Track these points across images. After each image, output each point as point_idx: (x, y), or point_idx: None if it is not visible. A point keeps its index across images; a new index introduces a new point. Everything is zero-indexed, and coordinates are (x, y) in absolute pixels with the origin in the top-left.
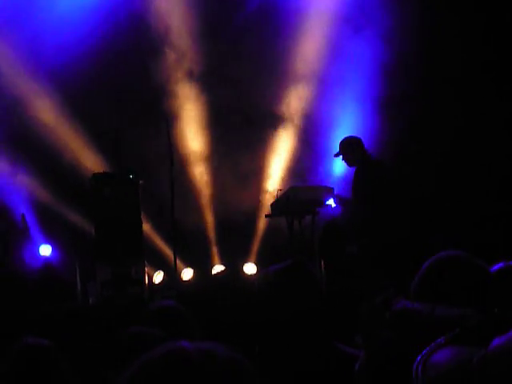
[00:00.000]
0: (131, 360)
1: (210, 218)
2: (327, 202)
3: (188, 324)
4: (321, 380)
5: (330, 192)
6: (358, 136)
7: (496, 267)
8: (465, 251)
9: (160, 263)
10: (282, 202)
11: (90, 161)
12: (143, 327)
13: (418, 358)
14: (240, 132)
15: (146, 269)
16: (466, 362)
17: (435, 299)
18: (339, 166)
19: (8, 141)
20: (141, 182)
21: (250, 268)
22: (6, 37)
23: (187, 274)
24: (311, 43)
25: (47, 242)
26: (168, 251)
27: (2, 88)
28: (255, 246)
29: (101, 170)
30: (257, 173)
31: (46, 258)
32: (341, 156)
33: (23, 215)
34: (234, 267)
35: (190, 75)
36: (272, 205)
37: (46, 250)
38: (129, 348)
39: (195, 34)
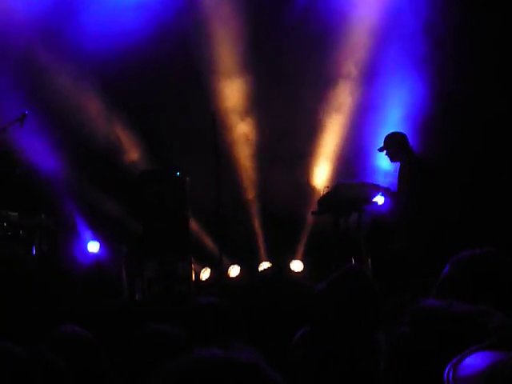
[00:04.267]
0: (146, 358)
1: (256, 215)
2: (374, 199)
3: (233, 321)
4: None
5: (376, 189)
6: (403, 132)
7: None
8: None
9: (207, 260)
10: (329, 199)
11: (138, 158)
12: (164, 325)
13: (450, 363)
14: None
15: (193, 265)
16: (503, 366)
17: (459, 297)
18: (385, 163)
19: (56, 137)
20: (188, 178)
21: (296, 265)
22: (53, 30)
23: (234, 270)
24: (359, 43)
25: (95, 238)
26: (215, 248)
27: (49, 83)
28: (302, 243)
29: (148, 167)
30: (304, 170)
31: (93, 255)
32: (385, 151)
33: (71, 212)
34: (280, 264)
35: (238, 71)
36: (319, 202)
37: (93, 247)
38: (145, 346)
39: (241, 33)
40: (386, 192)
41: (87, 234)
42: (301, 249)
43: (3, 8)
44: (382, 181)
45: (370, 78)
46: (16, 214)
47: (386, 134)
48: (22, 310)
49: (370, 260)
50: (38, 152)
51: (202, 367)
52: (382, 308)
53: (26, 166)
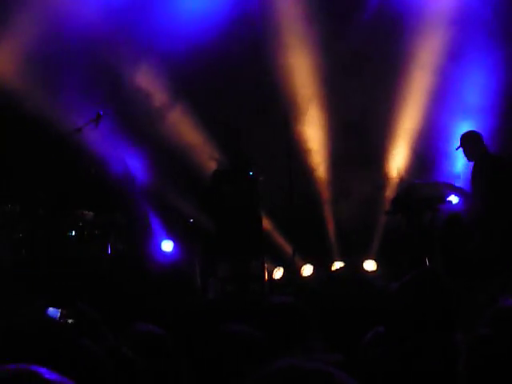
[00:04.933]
0: (222, 358)
1: (329, 214)
2: (448, 199)
3: (307, 321)
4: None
5: (451, 188)
6: (478, 131)
7: None
8: None
9: (280, 259)
10: (403, 198)
11: (212, 157)
12: (239, 325)
13: None
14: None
15: (266, 265)
16: None
17: None
18: (460, 162)
19: (131, 137)
20: (261, 178)
21: (369, 265)
22: (128, 29)
23: (307, 270)
24: (434, 42)
25: (169, 238)
26: (288, 247)
27: (124, 83)
28: (375, 242)
29: (222, 167)
30: (378, 169)
31: (168, 254)
32: (461, 149)
33: (146, 211)
34: (353, 264)
35: (310, 69)
36: (392, 201)
37: (168, 246)
38: (221, 346)
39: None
40: (460, 191)
41: (161, 233)
42: (374, 248)
43: (80, 6)
44: (456, 180)
45: (447, 68)
46: (92, 213)
47: (462, 132)
48: (97, 308)
49: (444, 260)
50: (113, 152)
51: (284, 378)
52: (458, 309)
53: (101, 166)
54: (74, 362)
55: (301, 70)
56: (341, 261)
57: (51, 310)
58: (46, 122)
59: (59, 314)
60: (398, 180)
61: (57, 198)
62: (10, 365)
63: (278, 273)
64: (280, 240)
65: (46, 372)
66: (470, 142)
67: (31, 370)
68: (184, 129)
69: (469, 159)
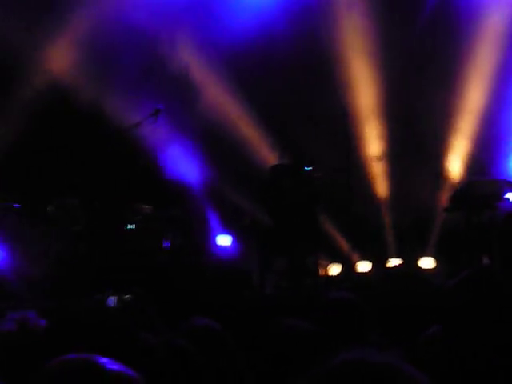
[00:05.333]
0: (279, 353)
1: (386, 211)
2: (507, 196)
3: (362, 316)
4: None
5: (509, 186)
6: None
7: None
8: None
9: (336, 255)
10: (461, 196)
11: (269, 152)
12: (296, 320)
13: None
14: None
15: (323, 260)
16: None
17: None
18: None
19: (190, 132)
20: (319, 174)
21: (427, 262)
22: (192, 24)
23: (363, 266)
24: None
25: (226, 232)
26: (344, 243)
27: (185, 78)
28: (433, 239)
29: (280, 162)
30: (437, 166)
31: (224, 248)
32: None
33: (202, 204)
34: (410, 261)
35: (369, 65)
36: (451, 199)
37: (225, 240)
38: (279, 341)
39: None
40: None
41: (219, 227)
42: (432, 246)
43: (143, 3)
44: None
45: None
46: (150, 207)
47: None
48: (156, 302)
49: (502, 258)
50: (172, 147)
51: (351, 370)
52: None
53: (159, 161)
54: (131, 354)
55: (359, 65)
56: (397, 258)
57: (110, 301)
58: (105, 117)
59: (117, 306)
60: (456, 177)
61: (116, 192)
62: (72, 354)
63: (334, 269)
64: (337, 236)
65: (107, 362)
66: None
67: (92, 360)
68: (242, 124)
69: None
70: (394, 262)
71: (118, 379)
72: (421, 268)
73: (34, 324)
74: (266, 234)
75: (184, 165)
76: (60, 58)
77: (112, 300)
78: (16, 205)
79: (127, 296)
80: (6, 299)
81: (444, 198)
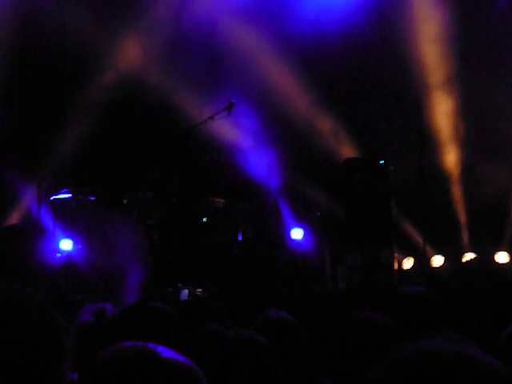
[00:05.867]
0: (353, 346)
1: (460, 204)
2: None
3: (436, 311)
4: None
5: None
6: None
7: None
8: None
9: (409, 249)
10: None
11: (342, 145)
12: (371, 314)
13: None
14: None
15: (396, 254)
16: None
17: None
18: None
19: (263, 125)
20: (391, 167)
21: (502, 257)
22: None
23: (437, 260)
24: None
25: (299, 225)
26: (418, 237)
27: (258, 71)
28: (508, 233)
29: (352, 155)
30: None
31: (297, 242)
32: None
33: (275, 198)
34: (485, 255)
35: (443, 59)
36: None
37: (297, 234)
38: (352, 334)
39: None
40: None
41: (291, 220)
42: (507, 240)
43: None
44: None
45: None
46: (223, 200)
47: None
48: (229, 295)
49: None
50: (245, 140)
51: (427, 358)
52: None
53: (232, 154)
54: (205, 347)
55: (432, 57)
56: (472, 252)
57: (183, 294)
58: (180, 111)
59: (189, 298)
60: None
61: (189, 185)
62: (128, 342)
63: (408, 263)
64: (410, 230)
65: (163, 350)
66: None
67: (148, 348)
68: (315, 116)
69: None
70: (468, 257)
71: (172, 367)
72: (496, 262)
73: (111, 315)
74: (338, 228)
75: (257, 158)
76: (133, 53)
77: (184, 293)
78: (92, 197)
79: (199, 290)
80: (83, 291)
81: None
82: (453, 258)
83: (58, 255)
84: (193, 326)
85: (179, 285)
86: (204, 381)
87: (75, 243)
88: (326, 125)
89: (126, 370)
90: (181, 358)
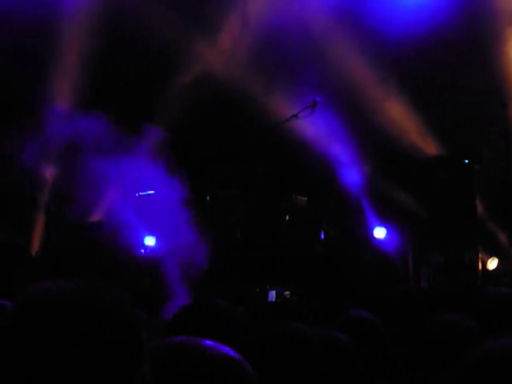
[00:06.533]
0: (436, 348)
1: None
2: None
3: None
4: None
5: None
6: None
7: None
8: None
9: (494, 249)
10: None
11: (426, 144)
12: (454, 315)
13: None
14: None
15: (480, 255)
16: None
17: None
18: None
19: (347, 124)
20: (476, 166)
21: None
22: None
23: None
24: None
25: (382, 224)
26: (503, 237)
27: (341, 69)
28: None
29: (436, 154)
30: None
31: (380, 241)
32: None
33: (358, 196)
34: None
35: None
36: None
37: (380, 233)
38: (435, 336)
39: None
40: None
41: (374, 219)
42: None
43: None
44: None
45: None
46: (305, 198)
47: None
48: (312, 293)
49: None
50: (329, 139)
51: (501, 358)
52: None
53: (315, 152)
54: (285, 345)
55: None
56: None
57: (271, 296)
58: (263, 109)
59: (277, 299)
60: None
61: (273, 183)
62: (179, 336)
63: (493, 263)
64: (495, 229)
65: (213, 346)
66: None
67: (198, 343)
68: (400, 115)
69: None
70: None
71: (220, 362)
72: None
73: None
74: (421, 227)
75: (340, 156)
76: (218, 52)
77: (272, 295)
78: (175, 194)
79: (287, 292)
80: (166, 288)
81: None
82: None
83: (142, 251)
84: (267, 325)
85: (267, 286)
86: (253, 376)
87: (159, 240)
88: (410, 123)
89: (171, 363)
90: (231, 352)
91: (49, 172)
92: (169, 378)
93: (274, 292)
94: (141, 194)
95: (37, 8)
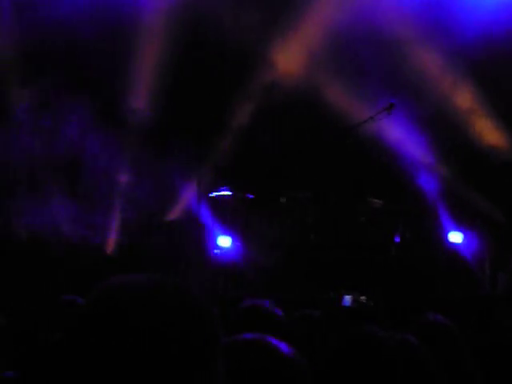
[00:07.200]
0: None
1: None
2: None
3: None
4: None
5: None
6: None
7: None
8: None
9: None
10: None
11: (503, 146)
12: None
13: None
14: None
15: None
16: None
17: None
18: None
19: (424, 126)
20: None
21: None
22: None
23: None
24: None
25: (458, 228)
26: None
27: (415, 72)
28: None
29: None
30: None
31: (455, 245)
32: None
33: (435, 200)
34: None
35: None
36: None
37: (456, 237)
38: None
39: None
40: None
41: (450, 223)
42: None
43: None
44: None
45: None
46: (381, 201)
47: None
48: (388, 297)
49: None
50: (406, 141)
51: None
52: None
53: (390, 154)
54: (358, 347)
55: None
56: None
57: (346, 301)
58: (341, 111)
59: (353, 304)
60: None
61: (349, 185)
62: (247, 334)
63: None
64: None
65: (281, 345)
66: None
67: (267, 341)
68: (475, 117)
69: None
70: None
71: (287, 361)
72: None
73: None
74: (499, 232)
75: (416, 159)
76: (295, 53)
77: (347, 299)
78: (250, 195)
79: (362, 297)
80: (242, 288)
81: None
82: None
83: (217, 251)
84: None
85: (342, 290)
86: (308, 374)
87: (233, 240)
88: (486, 125)
89: (244, 358)
90: (296, 353)
91: (124, 177)
92: (238, 374)
93: (349, 297)
94: (215, 194)
95: (113, 14)
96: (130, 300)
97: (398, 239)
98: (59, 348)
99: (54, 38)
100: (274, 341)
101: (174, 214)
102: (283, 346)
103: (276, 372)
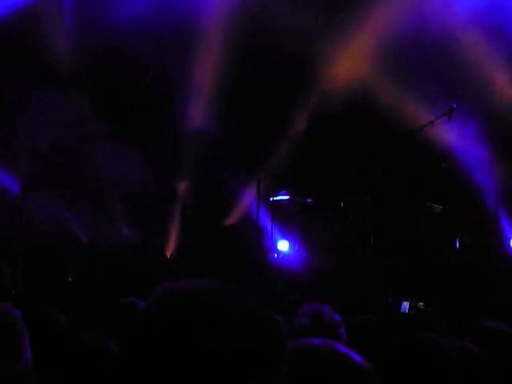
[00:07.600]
0: None
1: None
2: None
3: None
4: None
5: None
6: None
7: None
8: None
9: None
10: None
11: None
12: None
13: None
14: None
15: None
16: None
17: None
18: None
19: (483, 130)
20: None
21: None
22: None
23: None
24: None
25: None
26: None
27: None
28: None
29: None
30: None
31: None
32: None
33: (496, 206)
34: None
35: None
36: None
37: None
38: None
39: None
40: None
41: (511, 229)
42: None
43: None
44: None
45: None
46: (440, 206)
47: None
48: (447, 303)
49: None
50: (466, 146)
51: None
52: None
53: (451, 160)
54: (414, 354)
55: None
56: None
57: (404, 307)
58: (399, 115)
59: (410, 311)
60: None
61: (408, 190)
62: (315, 339)
63: None
64: None
65: (350, 353)
66: None
67: (334, 347)
68: None
69: None
70: None
71: (358, 369)
72: None
73: (328, 318)
74: None
75: (477, 164)
76: (356, 59)
77: (405, 306)
78: (309, 200)
79: (421, 303)
80: (302, 292)
81: None
82: None
83: (275, 255)
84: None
85: (401, 296)
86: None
87: (292, 244)
88: None
89: (307, 364)
90: (363, 361)
91: (182, 185)
92: (301, 379)
93: (407, 303)
94: (275, 198)
95: (172, 22)
96: (191, 309)
97: (457, 245)
98: (121, 354)
99: (111, 50)
100: (343, 348)
101: (234, 218)
102: (354, 355)
103: (349, 381)
